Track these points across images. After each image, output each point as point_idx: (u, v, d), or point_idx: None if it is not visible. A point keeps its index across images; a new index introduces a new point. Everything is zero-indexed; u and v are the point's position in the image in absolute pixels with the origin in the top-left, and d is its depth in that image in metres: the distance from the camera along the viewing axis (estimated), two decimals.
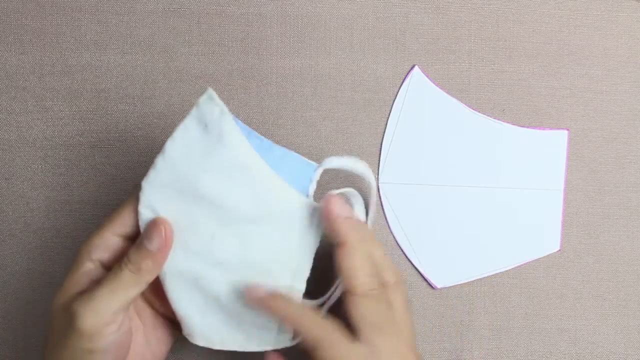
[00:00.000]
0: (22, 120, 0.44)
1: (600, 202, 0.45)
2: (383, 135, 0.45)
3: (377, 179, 0.45)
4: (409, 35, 0.45)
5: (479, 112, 0.45)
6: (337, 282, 0.41)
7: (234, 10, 0.45)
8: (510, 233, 0.45)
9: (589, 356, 0.45)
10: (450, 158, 0.45)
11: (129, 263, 0.34)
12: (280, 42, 0.45)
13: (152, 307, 0.38)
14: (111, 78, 0.44)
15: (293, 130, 0.45)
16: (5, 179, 0.44)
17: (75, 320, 0.33)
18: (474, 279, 0.44)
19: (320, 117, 0.45)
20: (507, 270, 0.45)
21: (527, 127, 0.45)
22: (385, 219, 0.44)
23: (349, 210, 0.37)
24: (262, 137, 0.37)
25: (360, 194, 0.43)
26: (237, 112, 0.44)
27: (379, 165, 0.45)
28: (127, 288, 0.34)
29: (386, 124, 0.45)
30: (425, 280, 0.44)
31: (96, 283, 0.34)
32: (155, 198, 0.35)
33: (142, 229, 0.35)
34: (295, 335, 0.37)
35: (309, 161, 0.37)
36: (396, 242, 0.44)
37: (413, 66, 0.45)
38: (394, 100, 0.45)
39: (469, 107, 0.45)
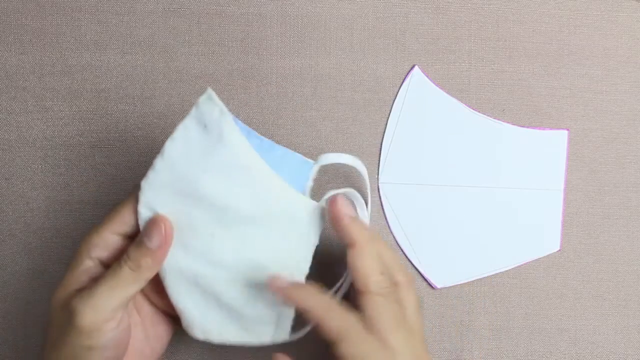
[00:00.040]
0: (22, 120, 0.44)
1: (600, 202, 0.45)
2: (383, 135, 0.45)
3: (377, 179, 0.45)
4: (409, 35, 0.45)
5: (479, 112, 0.45)
6: (341, 280, 0.41)
7: (234, 10, 0.45)
8: (510, 233, 0.45)
9: (589, 356, 0.45)
10: (450, 158, 0.45)
11: (129, 260, 0.34)
12: (280, 42, 0.45)
13: (152, 302, 0.38)
14: (111, 78, 0.44)
15: (293, 130, 0.45)
16: (5, 179, 0.44)
17: (74, 317, 0.33)
18: (474, 279, 0.44)
19: (320, 117, 0.45)
20: (507, 270, 0.45)
21: (527, 127, 0.45)
22: (385, 219, 0.44)
23: (353, 211, 0.37)
24: (262, 137, 0.37)
25: (361, 194, 0.43)
26: (237, 112, 0.44)
27: (379, 165, 0.45)
28: (126, 285, 0.34)
29: (386, 124, 0.45)
30: (425, 280, 0.44)
31: (95, 280, 0.34)
32: (155, 198, 0.35)
33: (141, 228, 0.35)
34: (316, 326, 0.36)
35: (307, 159, 0.37)
36: (396, 242, 0.44)
37: (413, 66, 0.45)
38: (394, 100, 0.45)
39: (469, 107, 0.45)
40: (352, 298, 0.40)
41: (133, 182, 0.44)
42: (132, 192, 0.36)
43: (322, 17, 0.45)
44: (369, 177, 0.40)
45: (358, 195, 0.40)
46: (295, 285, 0.35)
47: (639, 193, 0.45)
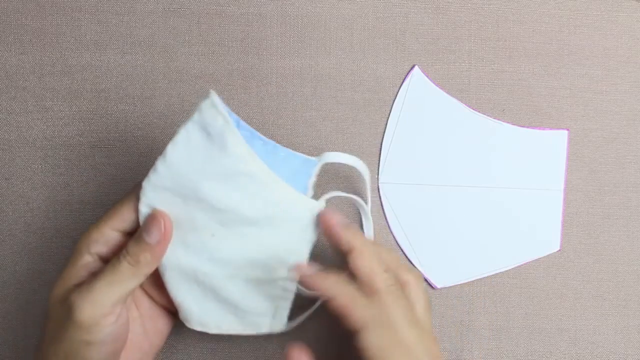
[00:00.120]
0: (22, 120, 0.44)
1: (600, 202, 0.45)
2: (383, 135, 0.45)
3: (377, 179, 0.45)
4: (409, 35, 0.45)
5: (479, 112, 0.45)
6: None
7: (234, 10, 0.45)
8: (510, 233, 0.45)
9: (589, 356, 0.45)
10: (450, 158, 0.45)
11: (128, 255, 0.34)
12: (280, 42, 0.45)
13: (150, 297, 0.39)
14: (111, 78, 0.44)
15: (293, 130, 0.45)
16: (5, 179, 0.44)
17: (73, 312, 0.33)
18: (474, 279, 0.44)
19: (320, 117, 0.45)
20: (507, 270, 0.45)
21: (527, 127, 0.45)
22: (385, 219, 0.44)
23: (344, 219, 0.37)
24: (265, 138, 0.37)
25: (360, 195, 0.43)
26: (237, 112, 0.44)
27: (379, 165, 0.45)
28: (125, 280, 0.34)
29: (386, 124, 0.45)
30: (426, 280, 0.44)
31: (94, 275, 0.34)
32: (156, 199, 0.35)
33: (142, 225, 0.36)
34: (340, 315, 0.35)
35: (309, 157, 0.38)
36: (396, 242, 0.44)
37: (413, 66, 0.45)
38: (394, 100, 0.45)
39: (469, 107, 0.45)
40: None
41: (133, 182, 0.44)
42: (132, 190, 0.36)
43: (322, 17, 0.45)
44: (369, 177, 0.41)
45: (361, 201, 0.41)
46: (321, 273, 0.35)
47: (639, 193, 0.45)
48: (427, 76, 0.45)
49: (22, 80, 0.44)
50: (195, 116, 0.34)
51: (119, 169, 0.44)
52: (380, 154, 0.45)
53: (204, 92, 0.35)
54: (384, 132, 0.45)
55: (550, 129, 0.45)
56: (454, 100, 0.45)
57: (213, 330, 0.38)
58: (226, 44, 0.45)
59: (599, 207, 0.45)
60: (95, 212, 0.44)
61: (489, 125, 0.45)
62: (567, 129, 0.45)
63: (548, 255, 0.45)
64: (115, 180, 0.44)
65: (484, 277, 0.44)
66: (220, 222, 0.36)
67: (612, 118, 0.45)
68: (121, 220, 0.36)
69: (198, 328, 0.38)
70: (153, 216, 0.35)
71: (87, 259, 0.35)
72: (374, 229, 0.44)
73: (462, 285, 0.44)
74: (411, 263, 0.44)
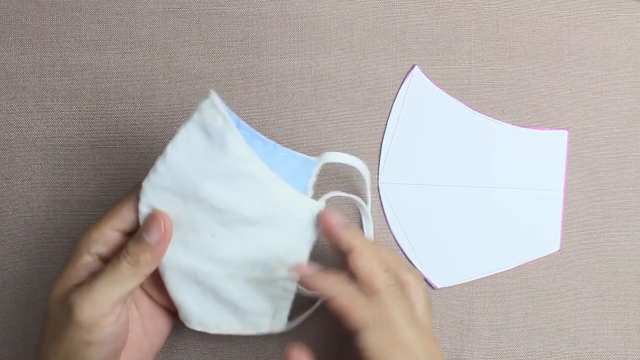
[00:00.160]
0: (22, 120, 0.44)
1: (600, 202, 0.45)
2: (383, 135, 0.45)
3: (377, 179, 0.45)
4: (409, 35, 0.45)
5: (479, 112, 0.45)
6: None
7: (234, 10, 0.45)
8: (510, 233, 0.45)
9: (589, 356, 0.45)
10: (450, 158, 0.45)
11: (128, 255, 0.34)
12: (280, 42, 0.45)
13: (150, 297, 0.39)
14: (111, 78, 0.44)
15: (293, 130, 0.45)
16: (5, 179, 0.44)
17: (73, 312, 0.33)
18: (474, 279, 0.44)
19: (320, 117, 0.45)
20: (507, 270, 0.45)
21: (527, 127, 0.45)
22: (385, 219, 0.44)
23: (344, 219, 0.37)
24: (265, 138, 0.37)
25: (360, 195, 0.43)
26: (237, 112, 0.44)
27: (379, 165, 0.45)
28: (125, 280, 0.34)
29: (386, 124, 0.45)
30: (426, 280, 0.44)
31: (94, 275, 0.34)
32: (156, 199, 0.35)
33: (142, 225, 0.36)
34: (340, 315, 0.35)
35: (310, 157, 0.38)
36: (396, 242, 0.44)
37: (413, 66, 0.45)
38: (394, 100, 0.45)
39: (469, 107, 0.45)
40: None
41: (133, 182, 0.44)
42: (132, 190, 0.36)
43: (322, 17, 0.45)
44: (369, 177, 0.41)
45: (361, 201, 0.41)
46: (321, 273, 0.35)
47: (639, 193, 0.45)
48: (427, 76, 0.45)
49: (22, 80, 0.44)
50: (195, 116, 0.34)
51: (119, 169, 0.44)
52: (380, 154, 0.45)
53: (204, 92, 0.35)
54: (384, 132, 0.45)
55: (550, 129, 0.45)
56: (454, 100, 0.45)
57: (213, 330, 0.38)
58: (226, 44, 0.45)
59: (599, 207, 0.45)
60: (95, 212, 0.44)
61: (489, 125, 0.45)
62: (567, 129, 0.45)
63: (548, 255, 0.45)
64: (115, 180, 0.44)
65: (484, 277, 0.44)
66: (220, 222, 0.36)
67: (612, 118, 0.45)
68: (121, 220, 0.36)
69: (198, 328, 0.38)
70: (153, 216, 0.35)
71: (87, 259, 0.35)
72: (374, 229, 0.44)
73: (462, 285, 0.44)
74: (411, 263, 0.44)
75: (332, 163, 0.38)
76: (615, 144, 0.45)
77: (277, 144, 0.37)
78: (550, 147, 0.45)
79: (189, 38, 0.44)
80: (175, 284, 0.37)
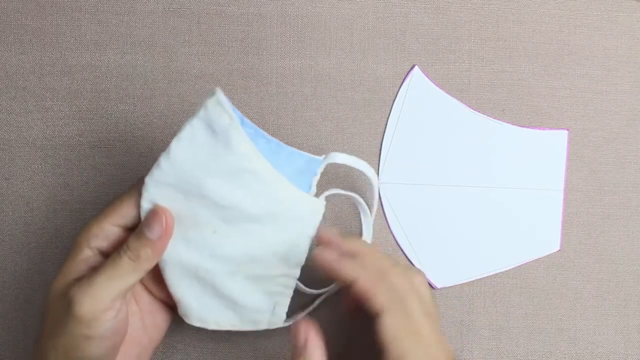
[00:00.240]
0: (22, 120, 0.44)
1: (600, 202, 0.45)
2: (383, 135, 0.45)
3: (377, 179, 0.45)
4: (409, 35, 0.45)
5: (479, 112, 0.45)
6: (328, 288, 0.41)
7: (234, 10, 0.45)
8: (510, 233, 0.45)
9: (589, 356, 0.45)
10: (450, 158, 0.45)
11: (128, 250, 0.34)
12: (280, 42, 0.45)
13: (150, 292, 0.39)
14: (111, 78, 0.44)
15: (293, 130, 0.45)
16: (5, 179, 0.44)
17: (72, 306, 0.33)
18: (474, 279, 0.44)
19: (320, 117, 0.45)
20: (507, 270, 0.45)
21: (527, 127, 0.45)
22: (385, 219, 0.44)
23: (337, 242, 0.37)
24: (269, 136, 0.37)
25: (360, 194, 0.43)
26: None
27: (379, 165, 0.45)
28: (125, 275, 0.34)
29: (386, 124, 0.45)
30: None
31: (94, 270, 0.34)
32: (158, 195, 0.35)
33: (143, 220, 0.36)
34: (361, 298, 0.35)
35: (314, 156, 0.38)
36: (396, 242, 0.44)
37: (413, 66, 0.45)
38: (394, 100, 0.45)
39: (469, 107, 0.45)
40: (344, 297, 0.41)
41: (133, 182, 0.44)
42: (133, 186, 0.36)
43: (322, 17, 0.45)
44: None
45: (360, 199, 0.41)
46: (342, 258, 0.35)
47: (639, 193, 0.45)
48: (427, 76, 0.45)
49: (22, 80, 0.44)
50: (201, 113, 0.34)
51: (119, 169, 0.44)
52: (380, 154, 0.45)
53: (204, 92, 0.35)
54: (384, 132, 0.45)
55: (550, 129, 0.45)
56: (454, 100, 0.45)
57: (212, 326, 0.38)
58: (226, 44, 0.45)
59: (599, 207, 0.45)
60: (95, 212, 0.43)
61: (489, 125, 0.45)
62: (567, 129, 0.45)
63: (548, 255, 0.45)
64: (115, 180, 0.44)
65: (484, 277, 0.44)
66: (222, 218, 0.36)
67: (612, 118, 0.45)
68: (121, 216, 0.36)
69: (197, 324, 0.38)
70: (154, 211, 0.35)
71: (87, 253, 0.35)
72: (374, 229, 0.44)
73: (462, 285, 0.44)
74: (411, 263, 0.44)
75: (332, 163, 0.38)
76: (615, 144, 0.45)
77: (281, 143, 0.37)
78: (550, 147, 0.45)
79: (189, 38, 0.44)
80: (175, 280, 0.37)
